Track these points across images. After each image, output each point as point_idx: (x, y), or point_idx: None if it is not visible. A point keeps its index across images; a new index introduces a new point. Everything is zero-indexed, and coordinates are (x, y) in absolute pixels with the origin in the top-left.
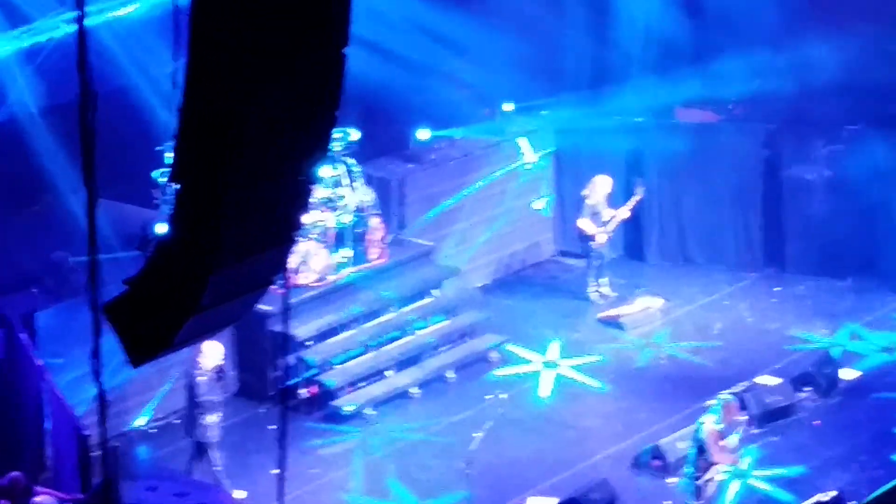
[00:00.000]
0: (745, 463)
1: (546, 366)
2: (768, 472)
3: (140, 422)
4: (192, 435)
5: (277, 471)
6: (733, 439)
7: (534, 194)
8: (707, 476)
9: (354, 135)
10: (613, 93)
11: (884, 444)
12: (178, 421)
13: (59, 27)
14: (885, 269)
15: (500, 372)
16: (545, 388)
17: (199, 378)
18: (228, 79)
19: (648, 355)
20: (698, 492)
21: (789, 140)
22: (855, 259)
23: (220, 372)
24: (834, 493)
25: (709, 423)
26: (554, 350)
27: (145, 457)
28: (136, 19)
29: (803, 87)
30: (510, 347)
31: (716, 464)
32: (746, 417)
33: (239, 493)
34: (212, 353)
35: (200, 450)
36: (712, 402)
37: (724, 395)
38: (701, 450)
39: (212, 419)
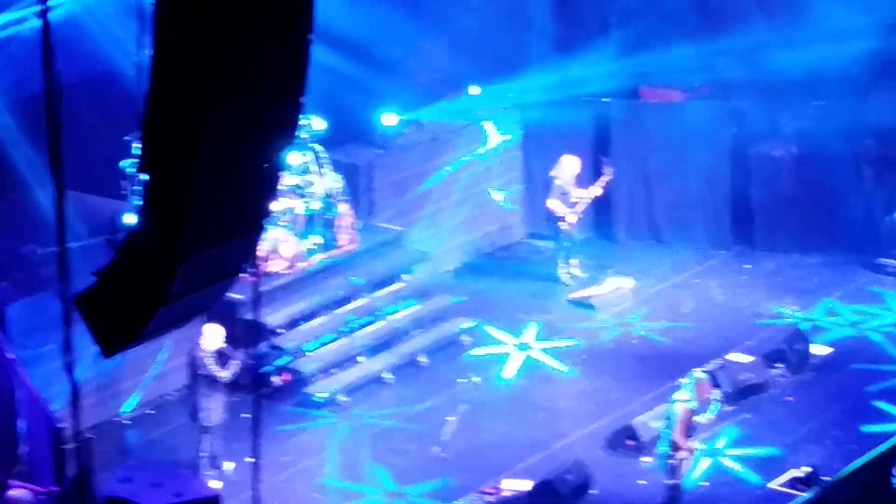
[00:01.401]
0: (702, 445)
1: (518, 348)
2: (741, 450)
3: (128, 406)
4: (194, 418)
5: (252, 459)
6: (709, 416)
7: (499, 179)
8: (681, 455)
9: (321, 122)
10: (579, 72)
11: (856, 418)
12: (172, 400)
13: (28, 19)
14: (854, 243)
15: (475, 352)
16: (510, 370)
17: (203, 361)
18: (194, 67)
19: (620, 335)
20: (672, 470)
21: (756, 117)
22: (824, 235)
23: (221, 355)
24: (808, 469)
25: (681, 402)
26: (528, 333)
27: (132, 444)
28: (106, 4)
29: (767, 62)
30: (485, 329)
31: (677, 445)
32: (720, 394)
33: (215, 484)
34: (213, 335)
35: (203, 433)
36: (685, 380)
37: (697, 371)
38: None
39: (213, 403)
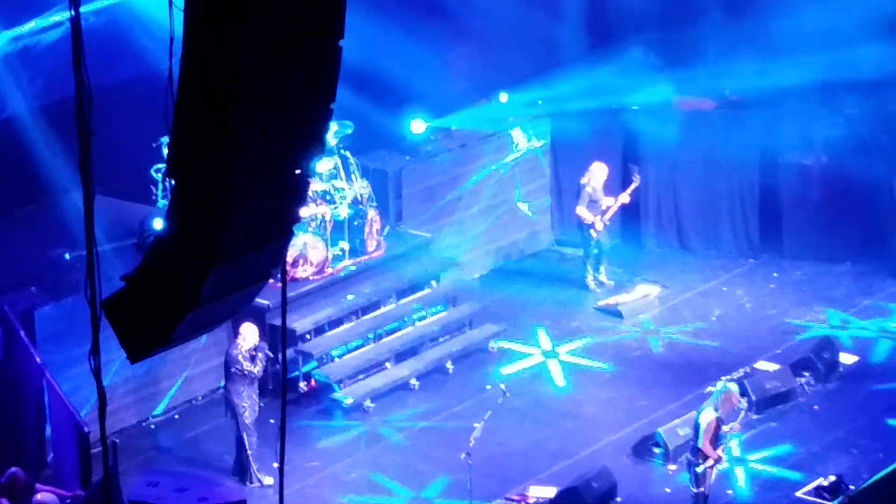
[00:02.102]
0: (727, 454)
1: (544, 355)
2: (768, 458)
3: (160, 409)
4: (234, 417)
5: (277, 464)
6: (734, 425)
7: (527, 186)
8: (708, 464)
9: (349, 128)
10: (609, 80)
11: (883, 428)
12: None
13: (62, 23)
14: (883, 252)
15: (506, 369)
16: (558, 378)
17: (238, 358)
18: (224, 72)
19: (647, 343)
20: (698, 480)
21: (786, 126)
22: (853, 243)
23: (254, 352)
24: (834, 478)
25: (708, 412)
26: (556, 340)
27: (163, 447)
28: (138, 7)
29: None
30: (512, 336)
31: (703, 453)
32: (745, 402)
33: (268, 480)
34: (250, 334)
35: (239, 434)
36: (713, 388)
37: (726, 381)
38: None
39: (247, 401)
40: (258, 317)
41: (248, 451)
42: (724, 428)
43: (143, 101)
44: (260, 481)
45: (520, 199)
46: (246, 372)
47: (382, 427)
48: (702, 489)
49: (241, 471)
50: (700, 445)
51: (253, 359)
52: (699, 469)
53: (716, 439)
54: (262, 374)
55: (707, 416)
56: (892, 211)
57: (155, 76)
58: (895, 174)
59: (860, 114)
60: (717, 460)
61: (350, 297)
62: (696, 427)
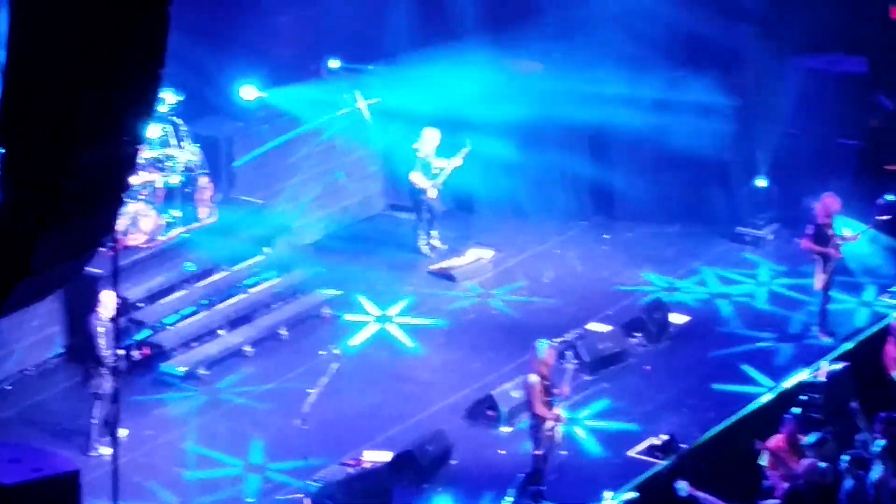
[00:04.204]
0: (565, 414)
1: (378, 320)
2: (600, 418)
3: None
4: (87, 386)
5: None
6: (565, 386)
7: (361, 151)
8: (547, 426)
9: (179, 94)
10: (442, 44)
11: (713, 386)
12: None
13: None
14: (712, 213)
15: (336, 324)
16: (370, 341)
17: (98, 329)
18: (53, 40)
19: (480, 306)
20: (538, 442)
21: (614, 87)
22: (682, 205)
23: (115, 320)
24: (666, 437)
25: (531, 375)
26: (389, 305)
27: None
28: None
29: (631, 31)
30: (346, 301)
31: (540, 416)
32: (574, 364)
33: (105, 450)
34: (111, 304)
35: (95, 399)
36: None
37: (540, 342)
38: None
39: (104, 370)
40: (90, 285)
41: (93, 420)
42: (555, 390)
43: None
44: (96, 450)
45: (341, 175)
46: (104, 340)
47: (216, 394)
48: (542, 451)
49: (103, 435)
50: (533, 409)
51: (115, 328)
52: (538, 432)
53: (548, 399)
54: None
55: (530, 379)
56: (720, 171)
57: None
58: (723, 135)
59: (689, 74)
60: (556, 420)
61: (190, 266)
62: (526, 391)
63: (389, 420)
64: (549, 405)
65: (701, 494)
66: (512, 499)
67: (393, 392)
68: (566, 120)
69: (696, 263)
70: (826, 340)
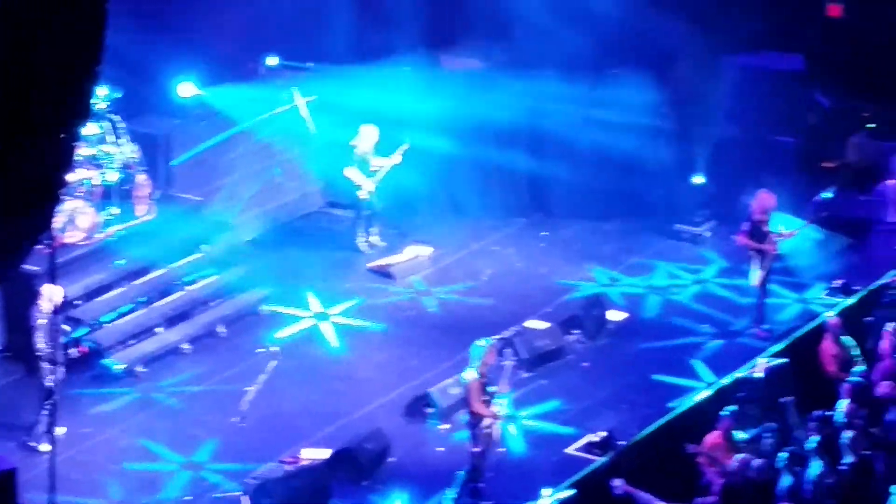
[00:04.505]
0: (504, 411)
1: (316, 317)
2: (539, 416)
3: None
4: (37, 380)
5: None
6: (503, 383)
7: (296, 150)
8: (485, 423)
9: (117, 92)
10: (380, 41)
11: (650, 383)
12: None
13: None
14: (651, 210)
15: (274, 322)
16: (332, 339)
17: (39, 322)
18: None
19: (419, 303)
20: (476, 439)
21: (553, 85)
22: (621, 201)
23: (57, 315)
24: (604, 434)
25: (469, 372)
26: (327, 302)
27: None
28: None
29: (568, 29)
30: (284, 299)
31: (478, 414)
32: (512, 362)
33: (45, 447)
34: (52, 296)
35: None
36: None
37: (480, 340)
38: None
39: (50, 364)
40: (27, 283)
41: (43, 412)
42: (493, 387)
43: None
44: (37, 445)
45: (278, 172)
46: (38, 339)
47: (154, 392)
48: (481, 448)
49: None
50: (471, 407)
51: (56, 323)
52: (477, 430)
53: (485, 398)
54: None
55: (468, 376)
56: (658, 169)
57: None
58: (662, 133)
59: (626, 72)
60: (494, 418)
61: (121, 262)
62: (463, 389)
63: (327, 417)
64: (488, 403)
65: (638, 493)
66: (452, 496)
67: (331, 390)
68: (504, 117)
69: (634, 260)
70: (763, 336)
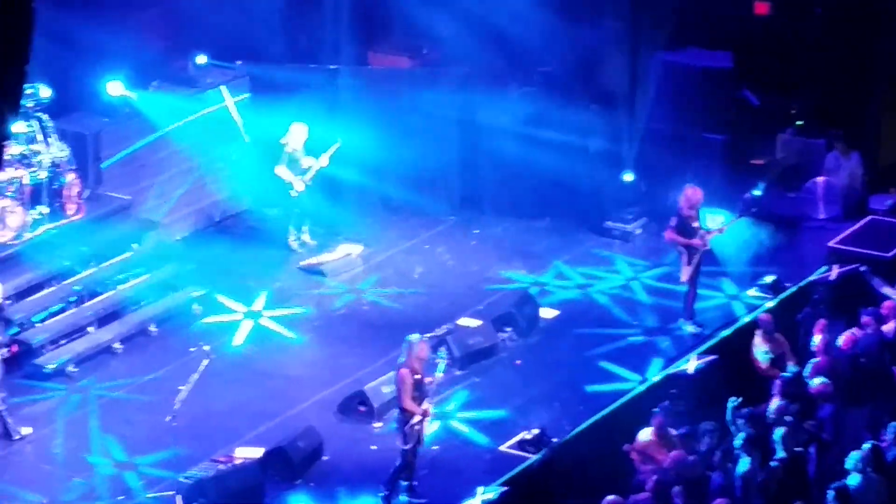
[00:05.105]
0: (433, 408)
1: (248, 316)
2: (472, 413)
3: None
4: None
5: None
6: (437, 376)
7: (228, 144)
8: (415, 420)
9: (46, 90)
10: (308, 40)
11: (583, 380)
12: None
13: None
14: (581, 207)
15: (206, 320)
16: (240, 337)
17: None
18: None
19: (351, 301)
20: (406, 437)
21: (483, 83)
22: (552, 199)
23: (2, 311)
24: (537, 431)
25: (401, 369)
26: (259, 301)
27: None
28: None
29: (495, 28)
30: (215, 297)
31: (408, 411)
32: (445, 354)
33: (26, 430)
34: None
35: None
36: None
37: (410, 336)
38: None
39: None
40: None
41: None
42: (427, 379)
43: None
44: (19, 432)
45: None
46: None
47: (86, 392)
48: (410, 445)
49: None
50: (402, 404)
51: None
52: (406, 427)
53: (416, 394)
54: None
55: (400, 373)
56: (589, 166)
57: None
58: (591, 130)
59: (555, 71)
60: (424, 415)
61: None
62: (395, 385)
63: (260, 416)
64: (420, 400)
65: None
66: (382, 494)
67: (264, 388)
68: (435, 114)
69: (565, 258)
70: (693, 332)
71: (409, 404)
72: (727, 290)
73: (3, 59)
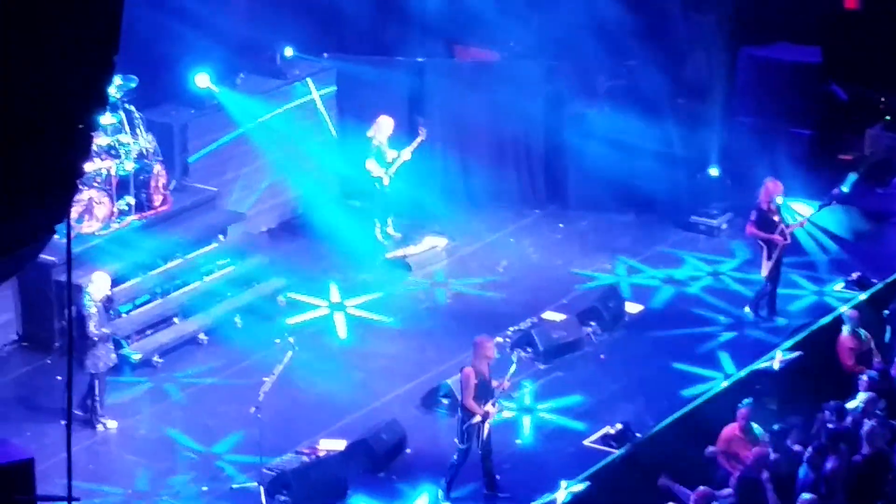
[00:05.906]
0: (495, 409)
1: (333, 308)
2: (556, 407)
3: None
4: (83, 366)
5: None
6: (508, 378)
7: (316, 137)
8: (475, 420)
9: (133, 82)
10: (394, 33)
11: (667, 375)
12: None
13: None
14: (666, 202)
15: (292, 320)
16: (341, 330)
17: (90, 310)
18: (1, 26)
19: (435, 294)
20: (462, 435)
21: (570, 76)
22: (636, 194)
23: (108, 302)
24: (620, 426)
25: (466, 368)
26: (335, 292)
27: None
28: None
29: (583, 21)
30: (301, 289)
31: (469, 410)
32: (516, 354)
33: (111, 423)
34: (101, 283)
35: (91, 381)
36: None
37: (481, 336)
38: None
39: (100, 350)
40: (43, 272)
41: (96, 399)
42: (494, 382)
43: None
44: (104, 425)
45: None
46: (103, 331)
47: (171, 382)
48: (466, 445)
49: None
50: (464, 402)
51: (107, 309)
52: (465, 426)
53: (482, 394)
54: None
55: (464, 371)
56: (674, 161)
57: None
58: (676, 124)
59: (642, 64)
60: (485, 416)
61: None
62: (460, 383)
63: (344, 409)
64: (483, 400)
65: (677, 487)
66: (440, 490)
67: (348, 381)
68: (520, 107)
69: (651, 252)
70: (780, 324)
71: (470, 404)
72: (812, 286)
73: (92, 50)
